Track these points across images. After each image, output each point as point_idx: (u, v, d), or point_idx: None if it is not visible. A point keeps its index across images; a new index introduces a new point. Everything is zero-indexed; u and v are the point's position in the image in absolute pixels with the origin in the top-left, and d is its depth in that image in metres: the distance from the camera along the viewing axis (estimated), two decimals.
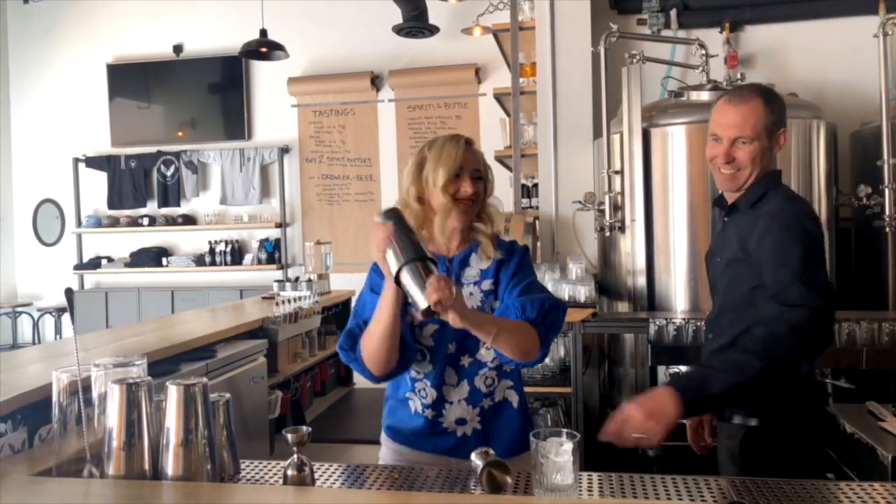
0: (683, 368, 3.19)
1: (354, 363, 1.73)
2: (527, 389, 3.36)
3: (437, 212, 1.77)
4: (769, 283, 1.73)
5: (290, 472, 1.43)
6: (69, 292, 1.53)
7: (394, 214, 1.59)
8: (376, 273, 1.75)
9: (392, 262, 1.53)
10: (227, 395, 1.54)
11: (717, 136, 1.86)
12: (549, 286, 3.68)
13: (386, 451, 1.87)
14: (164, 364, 2.86)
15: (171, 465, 1.39)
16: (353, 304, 1.91)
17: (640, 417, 1.58)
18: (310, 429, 1.43)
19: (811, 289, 1.68)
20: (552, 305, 1.71)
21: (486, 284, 1.76)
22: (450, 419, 1.76)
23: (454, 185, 1.75)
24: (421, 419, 1.78)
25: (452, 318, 1.49)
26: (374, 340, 1.66)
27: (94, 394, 1.47)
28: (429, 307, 1.45)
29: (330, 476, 1.55)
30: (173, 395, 1.41)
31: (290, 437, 1.41)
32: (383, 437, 1.88)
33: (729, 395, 1.67)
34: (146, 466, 1.41)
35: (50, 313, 7.45)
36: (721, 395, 1.65)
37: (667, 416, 1.58)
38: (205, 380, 1.44)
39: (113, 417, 1.40)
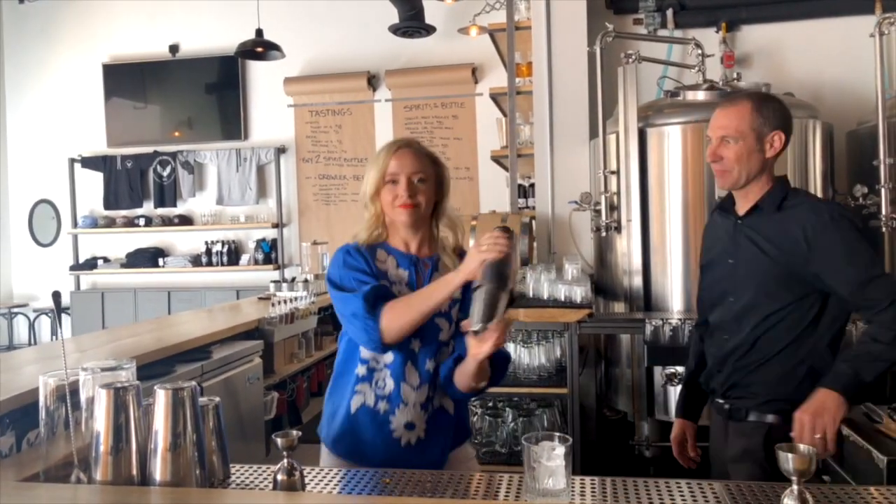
0: (680, 369, 3.18)
1: (369, 321, 1.63)
2: (523, 390, 3.44)
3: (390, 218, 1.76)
4: (850, 278, 1.82)
5: (280, 477, 1.42)
6: (56, 296, 1.51)
7: (513, 237, 1.60)
8: (352, 256, 1.77)
9: (487, 272, 1.55)
10: (217, 399, 1.53)
11: (709, 137, 2.03)
12: (545, 287, 3.66)
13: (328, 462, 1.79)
14: (159, 365, 2.85)
15: (159, 470, 1.38)
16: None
17: (808, 419, 1.73)
18: (300, 433, 1.42)
19: None
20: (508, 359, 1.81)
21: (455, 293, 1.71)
22: (400, 421, 1.72)
23: (391, 193, 1.72)
24: (371, 413, 1.72)
25: (480, 353, 1.57)
26: (412, 314, 1.62)
27: (82, 398, 1.46)
28: (478, 330, 1.52)
29: (320, 480, 1.54)
30: (161, 399, 1.39)
31: (279, 441, 1.40)
32: (325, 450, 1.81)
33: (876, 381, 1.79)
34: (134, 472, 1.40)
35: (46, 314, 7.44)
36: (872, 383, 1.78)
37: (831, 413, 1.72)
38: (193, 384, 1.43)
39: (100, 422, 1.39)
